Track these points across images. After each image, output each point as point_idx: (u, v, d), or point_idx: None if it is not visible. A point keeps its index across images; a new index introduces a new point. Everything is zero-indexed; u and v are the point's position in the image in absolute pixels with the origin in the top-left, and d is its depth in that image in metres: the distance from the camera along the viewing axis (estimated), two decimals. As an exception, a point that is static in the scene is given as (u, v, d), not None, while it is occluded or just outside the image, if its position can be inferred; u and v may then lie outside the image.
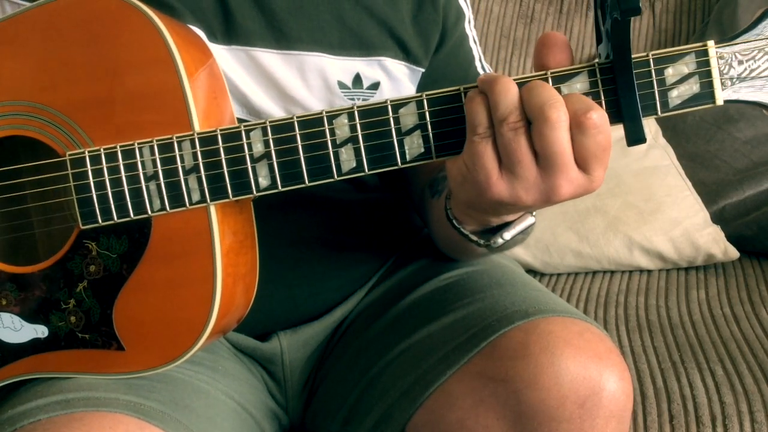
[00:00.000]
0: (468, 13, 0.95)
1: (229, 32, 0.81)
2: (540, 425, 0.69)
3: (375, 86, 0.87)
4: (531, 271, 1.49)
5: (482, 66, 0.96)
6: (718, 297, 1.35)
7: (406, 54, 0.88)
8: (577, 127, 0.61)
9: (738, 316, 1.26)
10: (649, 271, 1.49)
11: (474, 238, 0.75)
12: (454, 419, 0.74)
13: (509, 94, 0.62)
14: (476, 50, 0.96)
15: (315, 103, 0.84)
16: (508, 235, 0.74)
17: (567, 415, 0.69)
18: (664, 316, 1.28)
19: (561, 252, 1.48)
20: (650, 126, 1.57)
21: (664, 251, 1.46)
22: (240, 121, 0.80)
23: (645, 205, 1.48)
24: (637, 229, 1.46)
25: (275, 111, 0.83)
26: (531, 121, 0.62)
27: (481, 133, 0.63)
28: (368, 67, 0.86)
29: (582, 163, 0.62)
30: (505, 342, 0.72)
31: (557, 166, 0.62)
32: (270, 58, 0.82)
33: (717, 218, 1.50)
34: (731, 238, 1.48)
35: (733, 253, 1.47)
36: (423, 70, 0.90)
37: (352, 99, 0.86)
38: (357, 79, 0.86)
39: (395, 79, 0.88)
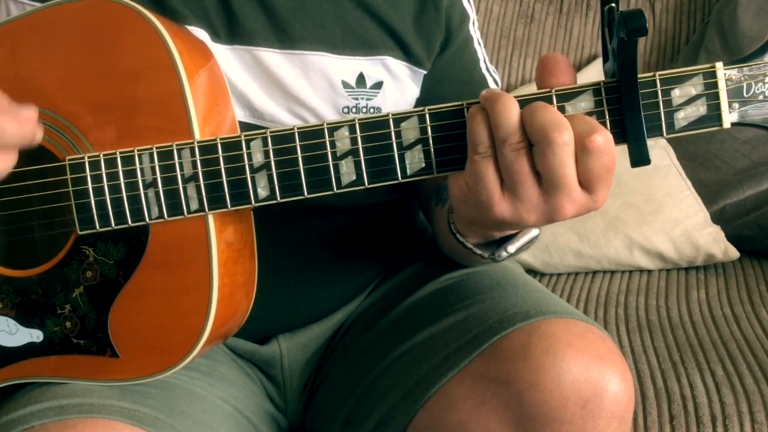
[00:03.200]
0: (472, 14, 0.94)
1: (233, 32, 0.81)
2: (542, 427, 0.69)
3: (378, 86, 0.86)
4: (531, 271, 1.49)
5: (487, 68, 0.95)
6: (718, 297, 1.34)
7: (407, 55, 0.87)
8: (581, 149, 0.60)
9: (738, 316, 1.26)
10: (649, 271, 1.48)
11: (478, 251, 0.75)
12: (455, 421, 0.74)
13: (510, 114, 0.61)
14: (481, 52, 0.95)
15: (319, 102, 0.84)
16: (512, 248, 0.74)
17: (569, 417, 0.68)
18: (664, 316, 1.28)
19: (561, 252, 1.47)
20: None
21: (664, 251, 1.46)
22: (242, 124, 0.79)
23: (645, 205, 1.48)
24: (637, 229, 1.46)
25: (278, 112, 0.83)
26: (533, 143, 0.61)
27: (482, 152, 0.62)
28: (371, 67, 0.85)
29: (586, 183, 0.61)
30: (506, 343, 0.72)
31: (560, 188, 0.61)
32: (273, 57, 0.82)
33: (717, 218, 1.50)
34: (731, 238, 1.48)
35: (733, 253, 1.47)
36: (425, 71, 0.89)
37: (356, 98, 0.85)
38: (360, 79, 0.85)
39: (398, 78, 0.87)
